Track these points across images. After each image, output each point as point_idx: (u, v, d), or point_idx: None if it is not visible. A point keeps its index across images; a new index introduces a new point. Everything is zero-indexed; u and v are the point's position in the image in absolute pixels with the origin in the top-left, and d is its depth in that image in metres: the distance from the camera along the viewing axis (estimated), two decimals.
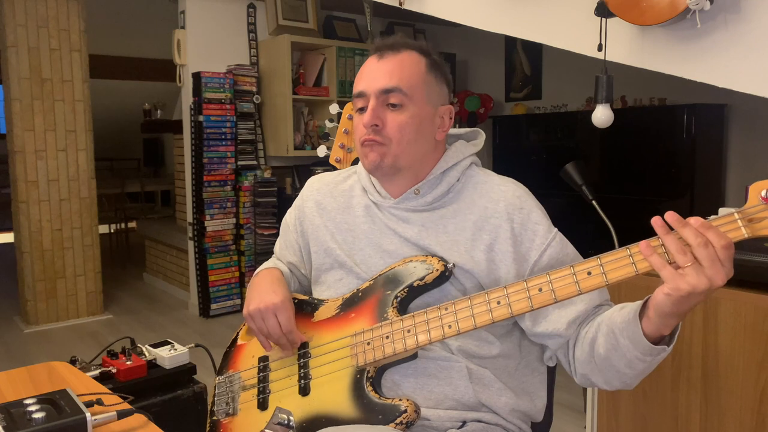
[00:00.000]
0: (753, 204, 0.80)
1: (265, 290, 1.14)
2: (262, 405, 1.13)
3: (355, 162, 1.84)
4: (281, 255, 1.31)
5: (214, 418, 1.20)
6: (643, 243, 0.83)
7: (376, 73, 1.09)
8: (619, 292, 1.75)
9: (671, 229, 0.82)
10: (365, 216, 1.15)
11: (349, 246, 1.15)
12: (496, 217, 1.08)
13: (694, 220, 0.80)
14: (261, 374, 1.16)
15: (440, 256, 1.05)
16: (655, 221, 0.82)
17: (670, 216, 0.81)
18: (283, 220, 1.31)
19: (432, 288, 1.05)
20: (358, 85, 1.11)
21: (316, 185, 1.26)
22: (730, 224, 0.81)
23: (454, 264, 1.04)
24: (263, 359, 1.17)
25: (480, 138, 1.20)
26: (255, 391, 1.16)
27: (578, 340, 1.03)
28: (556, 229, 1.09)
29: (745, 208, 0.81)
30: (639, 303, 0.92)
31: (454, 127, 1.20)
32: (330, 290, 1.17)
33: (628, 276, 0.86)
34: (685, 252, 0.80)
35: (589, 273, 0.88)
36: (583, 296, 1.03)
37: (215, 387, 1.24)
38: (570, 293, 0.90)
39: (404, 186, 1.13)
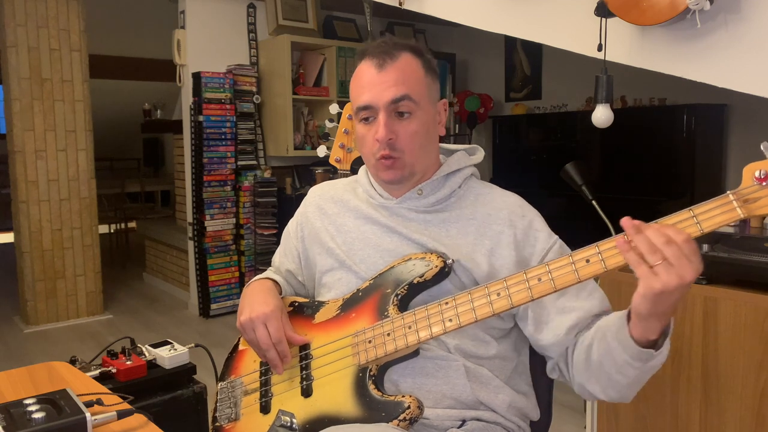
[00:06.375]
0: (747, 185, 0.81)
1: (255, 301, 1.13)
2: (265, 409, 1.13)
3: (355, 162, 1.84)
4: (280, 263, 1.32)
5: (217, 424, 1.20)
6: (620, 240, 0.84)
7: (380, 85, 1.07)
8: (619, 292, 1.74)
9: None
10: (366, 218, 1.16)
11: (349, 246, 1.16)
12: (498, 224, 1.09)
13: (652, 224, 0.82)
14: (263, 378, 1.16)
15: (440, 252, 1.05)
16: (625, 222, 0.83)
17: (628, 222, 0.82)
18: (285, 229, 1.32)
19: (432, 284, 1.05)
20: (362, 98, 1.09)
21: (318, 192, 1.28)
22: (725, 206, 0.81)
23: (453, 260, 1.05)
24: (265, 363, 1.17)
25: (479, 153, 1.22)
26: (257, 395, 1.15)
27: (576, 347, 1.03)
28: (556, 236, 1.11)
29: (739, 189, 0.81)
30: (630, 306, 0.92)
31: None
32: (332, 291, 1.17)
33: (627, 262, 0.86)
34: (654, 251, 0.81)
35: (587, 261, 0.88)
36: (584, 303, 1.04)
37: (217, 393, 1.24)
38: (569, 281, 0.89)
39: (406, 187, 1.14)
